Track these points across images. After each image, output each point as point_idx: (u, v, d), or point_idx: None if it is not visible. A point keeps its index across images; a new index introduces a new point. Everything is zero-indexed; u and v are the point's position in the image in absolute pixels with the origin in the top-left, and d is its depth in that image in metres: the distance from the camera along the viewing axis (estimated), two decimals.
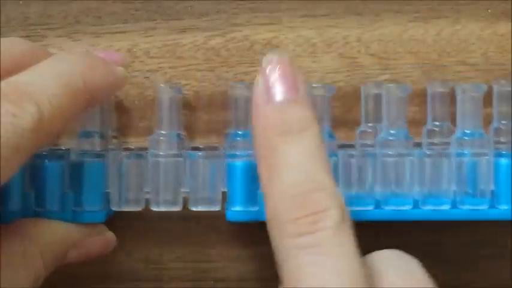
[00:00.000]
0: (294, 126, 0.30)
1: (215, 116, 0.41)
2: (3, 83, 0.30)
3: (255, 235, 0.40)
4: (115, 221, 0.38)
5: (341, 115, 0.40)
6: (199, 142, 0.40)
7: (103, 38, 0.41)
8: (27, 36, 0.40)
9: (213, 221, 0.41)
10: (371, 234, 0.39)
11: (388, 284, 0.30)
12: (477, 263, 0.41)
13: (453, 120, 0.39)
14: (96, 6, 0.41)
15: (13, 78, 0.31)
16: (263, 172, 0.31)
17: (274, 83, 0.31)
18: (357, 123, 0.40)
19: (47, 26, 0.41)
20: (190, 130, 0.40)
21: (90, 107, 0.34)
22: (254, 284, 0.41)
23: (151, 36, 0.41)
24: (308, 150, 0.30)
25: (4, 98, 0.29)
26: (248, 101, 0.37)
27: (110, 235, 0.38)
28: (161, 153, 0.37)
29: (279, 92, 0.31)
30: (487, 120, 0.39)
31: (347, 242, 0.29)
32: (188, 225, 0.41)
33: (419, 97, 0.40)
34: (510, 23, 0.41)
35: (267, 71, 0.31)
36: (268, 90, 0.31)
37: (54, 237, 0.35)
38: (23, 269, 0.33)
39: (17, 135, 0.29)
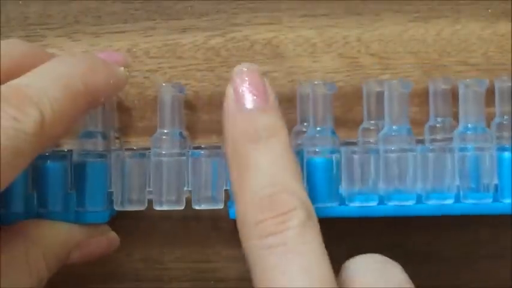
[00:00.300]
0: (262, 134, 0.31)
1: (215, 116, 0.41)
2: (4, 86, 0.30)
3: None
4: (115, 220, 0.38)
5: (341, 115, 0.40)
6: (199, 142, 0.40)
7: (103, 38, 0.41)
8: (26, 36, 0.40)
9: (213, 221, 0.41)
10: (374, 231, 0.39)
11: (360, 284, 0.30)
12: (477, 262, 0.41)
13: (455, 118, 0.39)
14: (96, 6, 0.41)
15: (14, 82, 0.31)
16: (234, 178, 0.32)
17: (245, 92, 0.32)
18: (357, 123, 0.40)
19: (46, 26, 0.41)
20: (190, 130, 0.40)
21: (91, 108, 0.34)
22: None
23: (151, 36, 0.41)
24: (275, 156, 0.31)
25: (6, 102, 0.29)
26: None
27: (113, 235, 0.37)
28: (164, 152, 0.37)
29: (248, 101, 0.32)
30: (489, 119, 0.39)
31: (313, 239, 0.29)
32: (188, 225, 0.41)
33: (420, 97, 0.40)
34: (510, 23, 0.41)
35: (238, 80, 0.32)
36: (238, 98, 0.32)
37: (56, 238, 0.35)
38: (25, 271, 0.33)
39: (19, 139, 0.29)
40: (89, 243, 0.36)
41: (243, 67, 0.33)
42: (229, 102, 0.32)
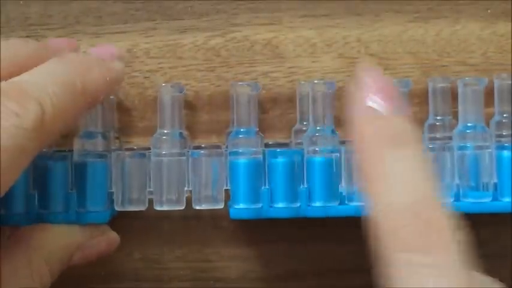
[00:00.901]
0: (399, 139, 0.29)
1: (215, 116, 0.41)
2: (4, 82, 0.30)
3: (254, 234, 0.41)
4: (115, 220, 0.38)
5: (341, 115, 0.40)
6: (199, 142, 0.40)
7: (103, 38, 0.41)
8: (27, 37, 0.40)
9: (214, 221, 0.41)
10: None
11: None
12: (477, 262, 0.41)
13: (454, 117, 0.39)
14: (97, 6, 0.41)
15: (15, 79, 0.31)
16: (368, 180, 0.29)
17: (377, 94, 0.29)
18: None
19: (47, 26, 0.41)
20: (190, 130, 0.40)
21: (90, 107, 0.34)
22: (254, 284, 0.41)
23: (151, 36, 0.41)
24: (414, 162, 0.29)
25: (6, 97, 0.29)
26: (250, 99, 0.38)
27: (113, 235, 0.37)
28: (164, 152, 0.37)
29: (383, 104, 0.29)
30: (488, 119, 0.39)
31: (462, 259, 0.28)
32: (188, 225, 0.41)
33: (420, 97, 0.40)
34: (510, 23, 0.41)
35: (367, 81, 0.30)
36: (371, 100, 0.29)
37: (58, 242, 0.35)
38: (28, 277, 0.33)
39: (20, 136, 0.29)
40: (90, 244, 0.36)
41: (370, 65, 0.30)
42: (360, 102, 0.30)
